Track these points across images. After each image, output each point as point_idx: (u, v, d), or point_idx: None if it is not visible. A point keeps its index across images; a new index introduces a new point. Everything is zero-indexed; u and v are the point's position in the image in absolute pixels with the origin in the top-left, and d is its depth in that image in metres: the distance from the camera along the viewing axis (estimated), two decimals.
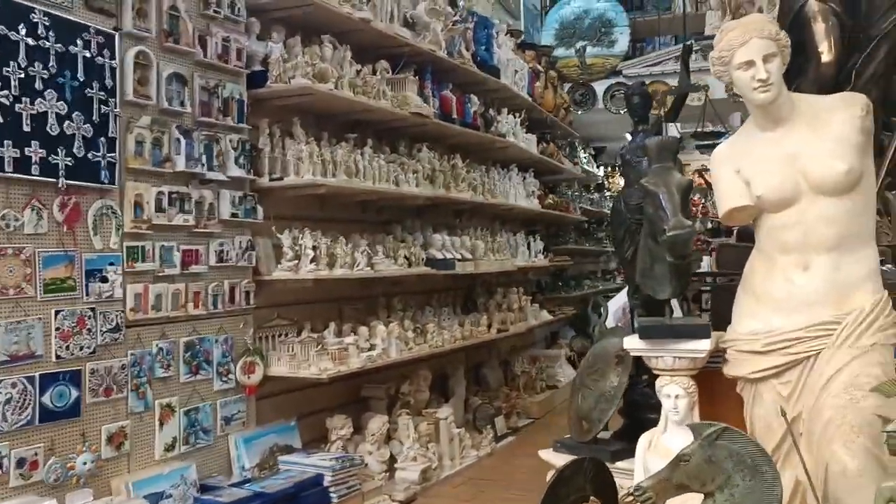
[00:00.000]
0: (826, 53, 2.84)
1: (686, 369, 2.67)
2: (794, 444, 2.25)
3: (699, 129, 4.79)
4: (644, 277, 2.90)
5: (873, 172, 2.56)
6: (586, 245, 10.33)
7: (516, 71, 7.42)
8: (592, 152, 11.73)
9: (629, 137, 3.70)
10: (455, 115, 5.94)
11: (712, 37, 3.86)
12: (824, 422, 2.34)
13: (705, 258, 4.48)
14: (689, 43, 3.51)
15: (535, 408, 6.91)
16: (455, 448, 5.22)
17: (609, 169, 13.08)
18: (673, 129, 3.29)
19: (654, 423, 3.20)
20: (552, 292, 9.00)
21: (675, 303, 2.93)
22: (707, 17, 3.83)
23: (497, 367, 7.14)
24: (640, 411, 3.40)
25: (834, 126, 2.47)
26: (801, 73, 2.95)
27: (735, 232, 3.71)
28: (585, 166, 10.53)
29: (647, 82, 3.50)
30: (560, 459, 3.29)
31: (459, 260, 5.86)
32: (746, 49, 2.46)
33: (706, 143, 4.92)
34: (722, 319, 2.87)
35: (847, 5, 2.91)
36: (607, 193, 12.49)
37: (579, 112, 10.13)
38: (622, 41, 10.28)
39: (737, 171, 2.58)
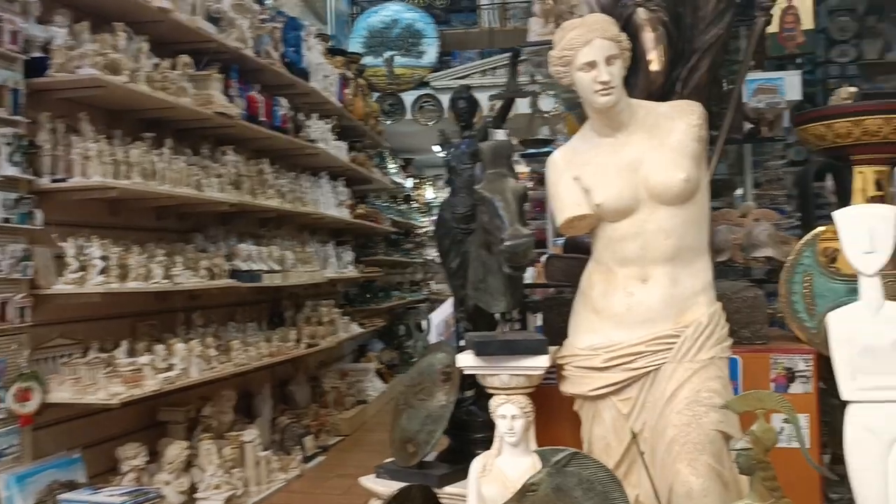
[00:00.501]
0: (655, 62, 2.80)
1: (522, 387, 2.52)
2: (643, 464, 2.15)
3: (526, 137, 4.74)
4: (476, 290, 2.73)
5: (707, 182, 2.54)
6: (395, 256, 10.26)
7: (326, 76, 7.15)
8: (401, 163, 11.67)
9: (438, 149, 3.55)
10: (263, 118, 5.59)
11: (539, 43, 3.83)
12: (668, 440, 2.27)
13: (529, 269, 4.41)
14: (516, 47, 3.40)
15: (345, 424, 6.70)
16: (262, 472, 4.88)
17: (417, 180, 13.09)
18: (500, 136, 3.15)
19: (482, 443, 3.04)
20: (361, 304, 8.81)
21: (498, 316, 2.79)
22: (530, 23, 3.76)
23: (305, 383, 6.82)
24: (467, 431, 3.22)
25: (672, 134, 2.42)
26: (626, 82, 2.92)
27: (563, 243, 3.64)
28: (395, 177, 10.43)
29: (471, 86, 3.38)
30: (383, 487, 3.05)
31: (266, 272, 5.50)
32: (589, 49, 2.36)
33: (533, 151, 4.88)
34: (554, 333, 2.76)
35: (672, 17, 2.91)
36: (415, 205, 12.50)
37: (388, 122, 10.02)
38: (430, 52, 10.28)
39: (575, 179, 2.47)
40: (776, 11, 8.10)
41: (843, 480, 2.37)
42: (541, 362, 2.48)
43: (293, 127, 6.12)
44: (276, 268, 5.69)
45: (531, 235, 2.40)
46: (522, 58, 3.70)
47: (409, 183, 12.60)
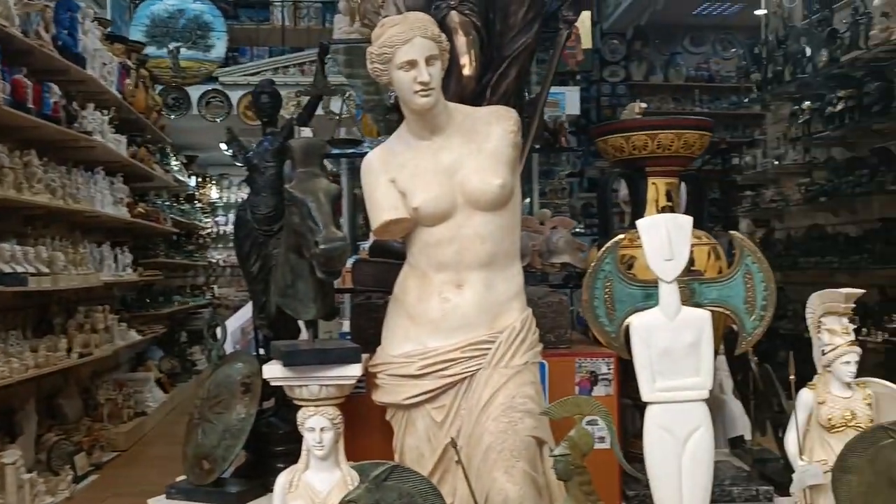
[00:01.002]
0: (467, 67, 2.80)
1: (333, 398, 2.40)
2: (465, 474, 2.11)
3: (335, 136, 4.60)
4: (284, 296, 2.58)
5: (520, 189, 2.56)
6: (177, 258, 9.73)
7: (104, 64, 6.63)
8: (184, 160, 11.08)
9: (224, 147, 3.35)
10: (31, 105, 5.05)
11: (344, 41, 3.73)
12: (484, 448, 2.25)
13: None
14: (324, 42, 3.28)
15: (121, 439, 6.24)
16: (25, 496, 4.41)
17: (201, 179, 12.51)
18: (306, 133, 3.01)
19: (283, 456, 2.90)
20: (140, 309, 8.25)
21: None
22: (336, 20, 3.66)
23: (77, 395, 6.26)
24: (267, 444, 3.05)
25: (490, 140, 2.41)
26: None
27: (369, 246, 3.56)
28: (177, 175, 9.89)
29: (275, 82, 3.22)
30: None
31: (32, 274, 4.98)
32: (410, 48, 2.29)
33: (341, 151, 4.76)
34: (364, 340, 2.67)
35: (484, 22, 2.92)
36: (198, 205, 11.94)
37: (172, 117, 9.48)
38: (219, 47, 9.84)
39: (392, 181, 2.40)
40: None
41: (640, 478, 2.46)
42: (353, 371, 2.38)
43: (66, 116, 5.60)
44: (44, 270, 5.17)
45: (346, 239, 2.30)
46: (330, 56, 3.58)
47: (193, 181, 12.02)
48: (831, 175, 6.57)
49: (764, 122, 8.47)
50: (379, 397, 2.46)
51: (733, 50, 13.15)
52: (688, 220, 2.50)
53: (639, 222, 2.52)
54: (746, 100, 7.91)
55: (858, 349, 2.37)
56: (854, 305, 2.42)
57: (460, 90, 2.81)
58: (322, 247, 2.23)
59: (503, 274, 2.41)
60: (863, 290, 2.47)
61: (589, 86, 13.05)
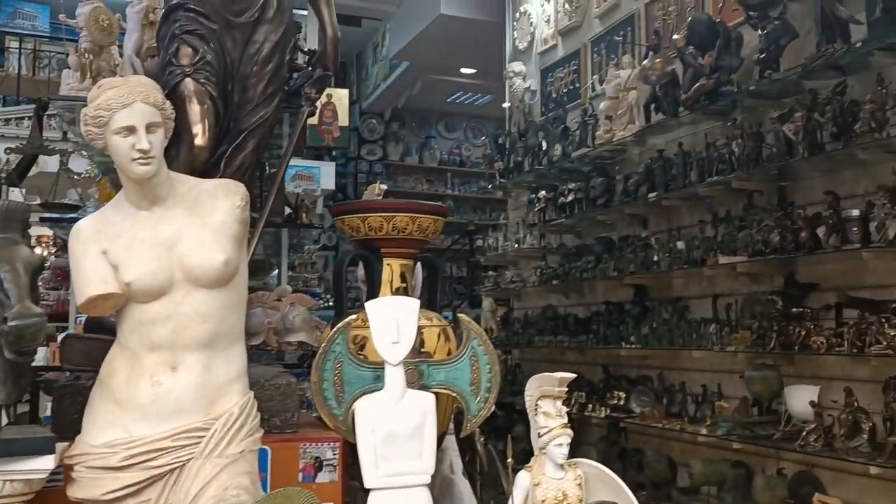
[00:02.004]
0: (200, 136, 2.70)
1: (20, 495, 2.12)
2: None
3: (49, 200, 4.21)
4: None
5: (247, 266, 2.46)
6: None
7: None
8: None
9: None
10: None
11: (72, 98, 3.47)
12: None
13: (41, 349, 3.86)
14: (44, 99, 3.03)
15: None
16: None
17: None
18: (17, 195, 2.73)
19: None
20: None
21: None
22: (63, 75, 3.40)
23: None
24: None
25: (215, 213, 2.30)
26: (167, 154, 2.76)
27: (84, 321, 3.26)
28: None
29: None
30: None
31: None
32: (129, 112, 2.15)
33: (57, 215, 4.36)
34: (67, 427, 2.41)
35: (221, 92, 2.84)
36: None
37: None
38: None
39: (104, 253, 2.21)
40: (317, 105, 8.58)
41: None
42: (45, 464, 2.12)
43: None
44: None
45: (43, 315, 2.07)
46: (52, 112, 3.31)
47: None
48: (563, 260, 7.06)
49: (507, 207, 8.99)
50: (74, 492, 2.21)
51: (483, 138, 13.99)
52: (415, 303, 2.53)
53: (367, 304, 2.51)
54: (490, 186, 8.35)
55: (570, 432, 2.49)
56: (567, 389, 2.55)
57: (191, 160, 2.71)
58: (11, 323, 1.99)
59: (224, 355, 2.29)
60: (574, 375, 2.61)
61: (347, 162, 13.27)
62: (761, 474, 4.95)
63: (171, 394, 2.19)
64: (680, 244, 5.62)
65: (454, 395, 2.69)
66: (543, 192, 7.26)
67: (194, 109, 2.70)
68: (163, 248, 2.22)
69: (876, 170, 4.50)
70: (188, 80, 2.73)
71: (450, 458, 3.37)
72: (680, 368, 6.05)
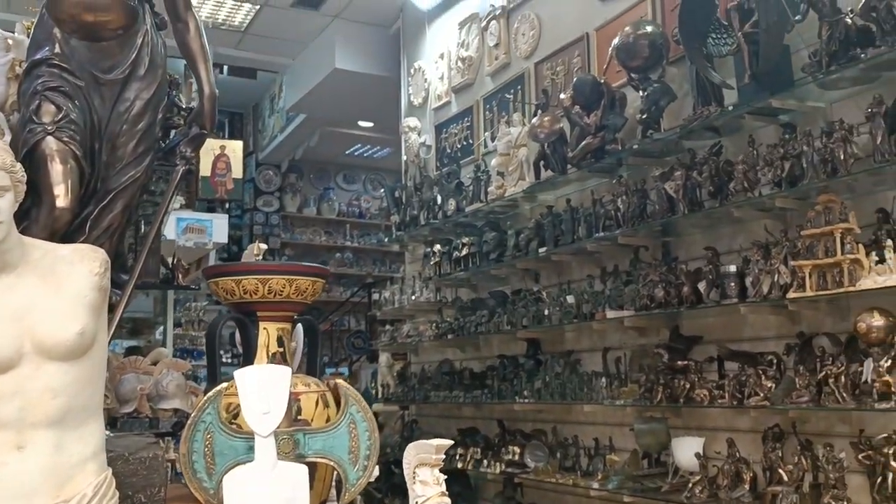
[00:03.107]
0: (62, 198, 2.57)
1: None
2: None
3: None
4: None
5: (106, 336, 2.33)
6: None
7: None
8: None
9: None
10: None
11: None
12: None
13: None
14: None
15: None
16: None
17: None
18: None
19: None
20: None
21: None
22: None
23: None
24: None
25: (70, 281, 2.17)
26: (27, 216, 2.63)
27: None
28: None
29: None
30: None
31: None
32: None
33: None
34: None
35: (87, 152, 2.73)
36: None
37: None
38: None
39: None
40: (210, 156, 8.45)
41: None
42: None
43: None
44: None
45: None
46: None
47: None
48: (458, 313, 7.06)
49: (404, 260, 8.98)
50: None
51: (381, 190, 14.02)
52: (287, 371, 2.44)
53: (235, 373, 2.41)
54: (387, 239, 8.34)
55: (447, 501, 2.43)
56: (444, 456, 2.50)
57: (52, 222, 2.58)
58: None
59: (77, 432, 2.14)
60: (451, 442, 2.56)
61: (242, 213, 13.06)
62: None
63: (17, 476, 2.03)
64: (570, 298, 5.71)
65: (331, 463, 2.60)
66: (438, 246, 7.28)
67: (56, 169, 2.57)
68: (11, 319, 2.08)
69: (750, 226, 4.70)
70: (50, 138, 2.60)
71: None
72: (573, 422, 6.10)
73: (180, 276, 3.63)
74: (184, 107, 3.39)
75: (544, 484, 5.97)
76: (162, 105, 2.96)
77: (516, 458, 6.21)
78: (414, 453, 2.51)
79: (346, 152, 13.39)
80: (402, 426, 8.08)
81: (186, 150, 3.07)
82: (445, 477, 2.49)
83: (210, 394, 2.57)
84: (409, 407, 8.12)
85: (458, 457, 6.77)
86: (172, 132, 3.35)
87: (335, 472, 2.91)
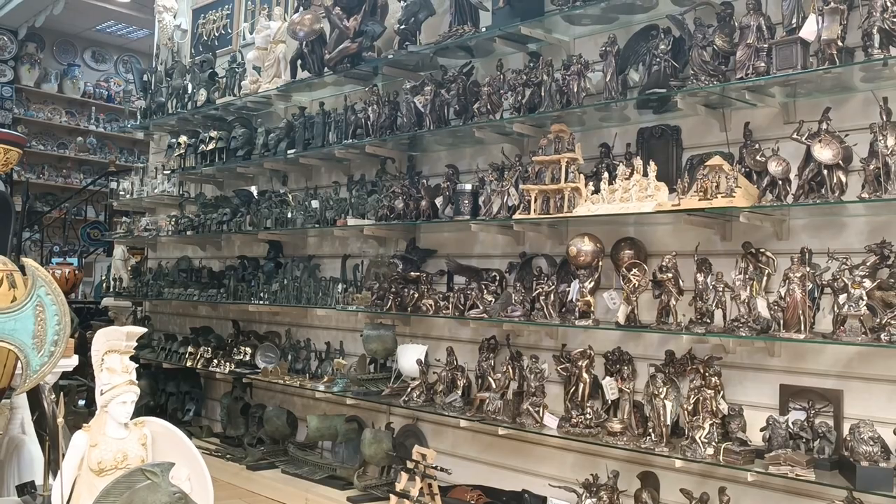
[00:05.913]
0: None
1: None
2: None
3: None
4: None
5: None
6: None
7: None
8: None
9: None
10: None
11: None
12: None
13: None
14: None
15: None
16: None
17: None
18: None
19: None
20: None
21: None
22: None
23: None
24: None
25: None
26: None
27: None
28: None
29: None
30: None
31: None
32: None
33: None
34: None
35: None
36: None
37: None
38: None
39: None
40: None
41: None
42: None
43: None
44: None
45: None
46: None
47: None
48: (200, 210, 6.77)
49: (148, 150, 8.43)
50: None
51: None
52: None
53: None
54: (130, 125, 7.75)
55: (137, 389, 2.34)
56: (136, 343, 2.39)
57: None
58: None
59: None
60: (145, 329, 2.45)
61: None
62: (371, 428, 5.18)
63: None
64: (315, 203, 5.65)
65: (12, 348, 2.40)
66: (185, 138, 6.90)
67: None
68: None
69: (491, 148, 4.87)
70: None
71: (21, 417, 3.04)
72: (307, 326, 6.13)
73: None
74: None
75: (273, 385, 5.98)
76: None
77: (247, 358, 6.16)
78: (103, 340, 2.38)
79: (97, 27, 12.24)
80: (135, 322, 7.72)
81: None
82: (137, 365, 2.39)
83: None
84: (143, 303, 7.76)
85: (188, 355, 6.60)
86: None
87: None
